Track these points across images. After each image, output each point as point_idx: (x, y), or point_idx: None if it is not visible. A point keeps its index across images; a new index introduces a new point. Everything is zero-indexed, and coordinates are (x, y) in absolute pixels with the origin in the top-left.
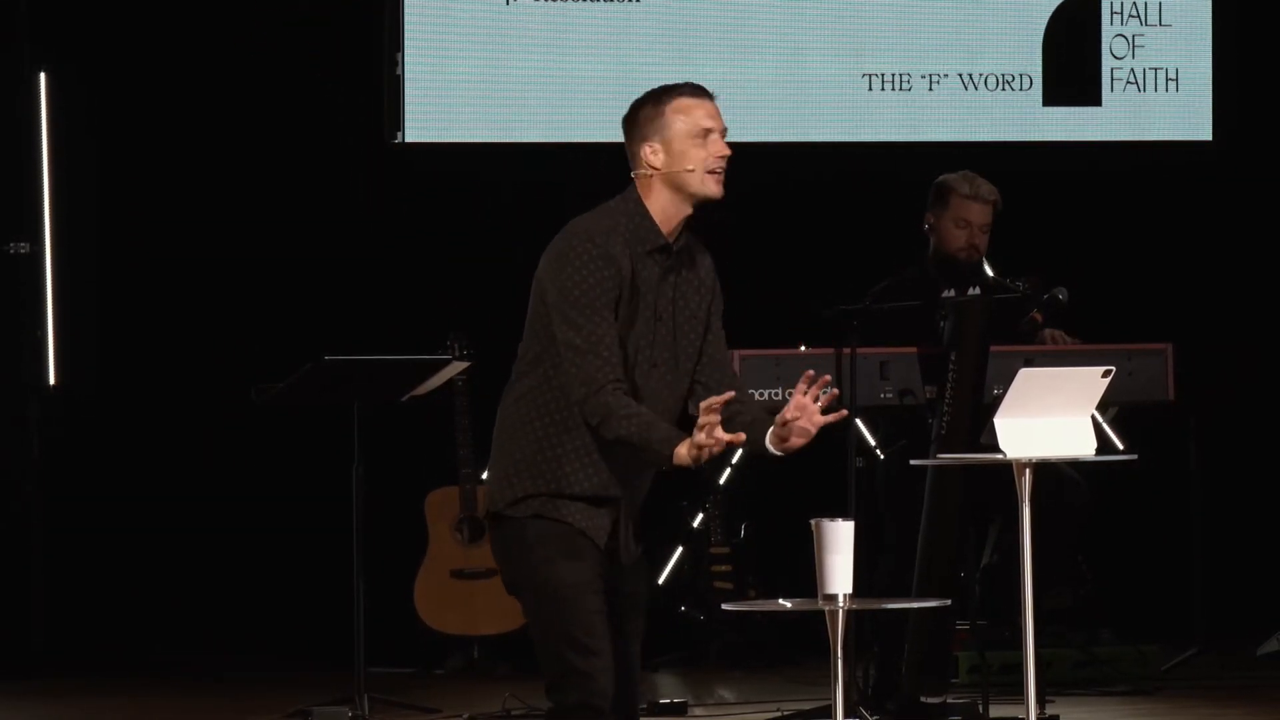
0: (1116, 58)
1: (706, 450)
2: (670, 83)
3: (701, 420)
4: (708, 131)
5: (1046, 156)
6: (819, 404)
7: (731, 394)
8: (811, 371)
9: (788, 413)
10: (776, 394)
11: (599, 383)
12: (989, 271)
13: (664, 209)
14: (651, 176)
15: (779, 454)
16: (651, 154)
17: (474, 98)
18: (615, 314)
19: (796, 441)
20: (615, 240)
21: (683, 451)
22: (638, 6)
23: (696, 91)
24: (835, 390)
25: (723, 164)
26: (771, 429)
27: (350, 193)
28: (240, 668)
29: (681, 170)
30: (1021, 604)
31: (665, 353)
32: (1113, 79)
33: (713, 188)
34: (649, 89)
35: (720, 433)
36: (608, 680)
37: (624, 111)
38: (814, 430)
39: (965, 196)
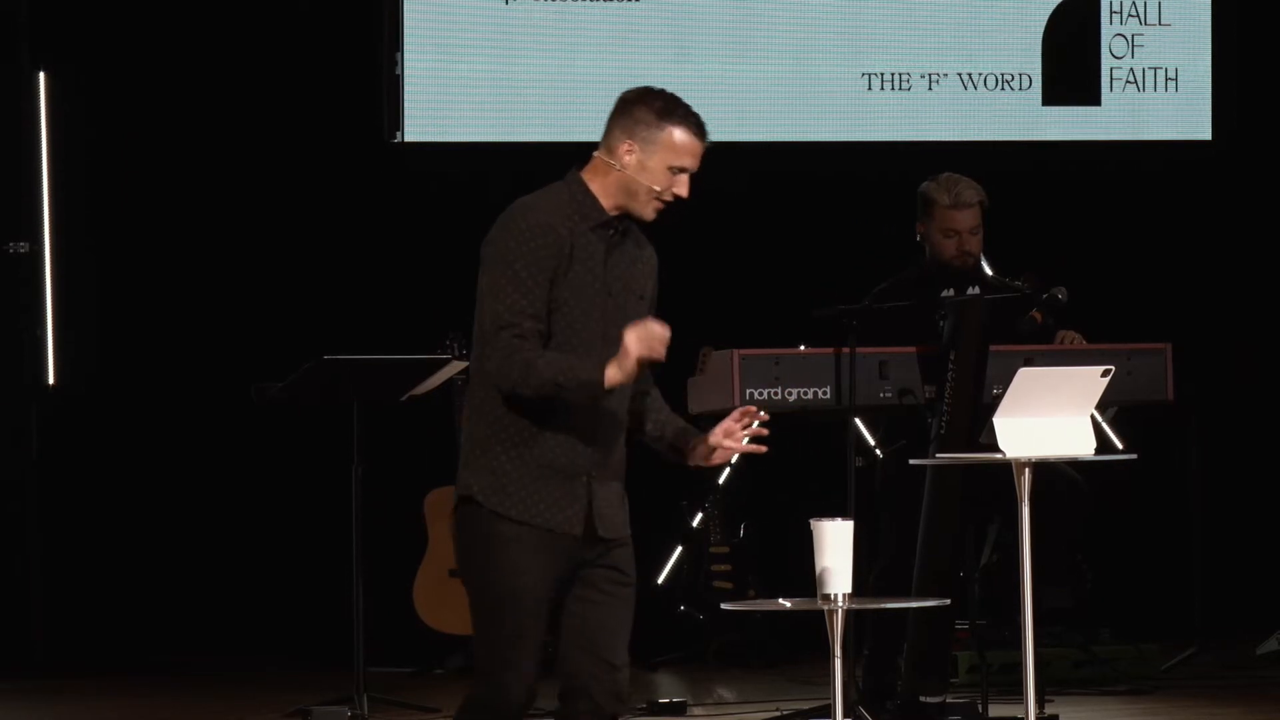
0: (1116, 57)
1: (720, 454)
2: (681, 99)
3: (732, 425)
4: (682, 170)
5: (1046, 156)
6: (746, 432)
7: (753, 408)
8: (752, 408)
9: (716, 437)
10: (775, 394)
11: (514, 348)
12: (988, 271)
13: (610, 196)
14: (610, 169)
15: (691, 463)
16: (626, 153)
17: (474, 97)
18: (549, 285)
19: (715, 461)
20: (554, 213)
21: (613, 372)
22: (638, 6)
23: (698, 131)
24: (764, 430)
25: (672, 200)
26: (699, 444)
27: (350, 192)
28: (240, 667)
29: (644, 185)
30: (1021, 603)
31: (615, 329)
32: (1112, 78)
33: (650, 213)
34: (661, 88)
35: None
36: (531, 685)
37: None
38: (733, 455)
39: (947, 206)
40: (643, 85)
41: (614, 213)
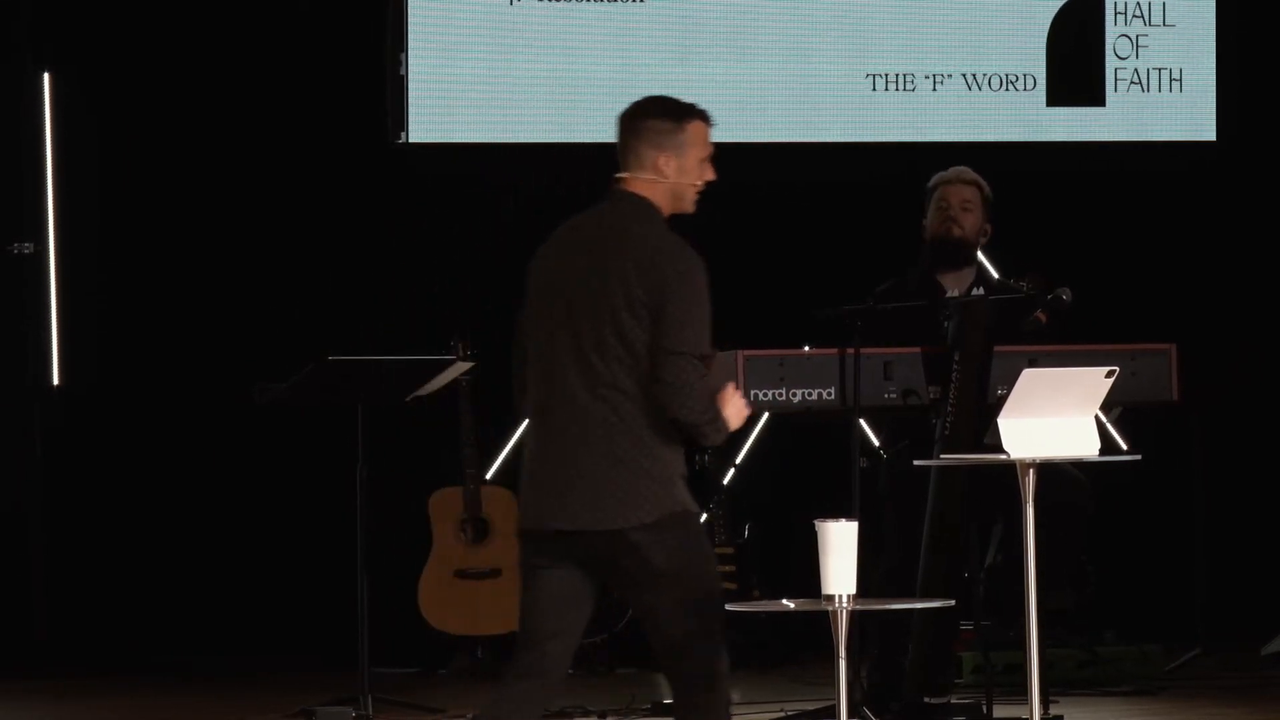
0: (1120, 58)
1: None
2: (680, 99)
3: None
4: (708, 157)
5: (1050, 157)
6: None
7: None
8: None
9: None
10: (780, 394)
11: (709, 388)
12: (993, 272)
13: (665, 210)
14: (656, 184)
15: None
16: (665, 164)
17: (478, 98)
18: None
19: None
20: None
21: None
22: (642, 6)
23: (708, 119)
24: None
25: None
26: None
27: (354, 193)
28: (244, 667)
29: (688, 184)
30: (1025, 604)
31: None
32: (1116, 79)
33: (692, 206)
34: (657, 95)
35: None
36: None
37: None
38: None
39: (943, 182)
40: (633, 102)
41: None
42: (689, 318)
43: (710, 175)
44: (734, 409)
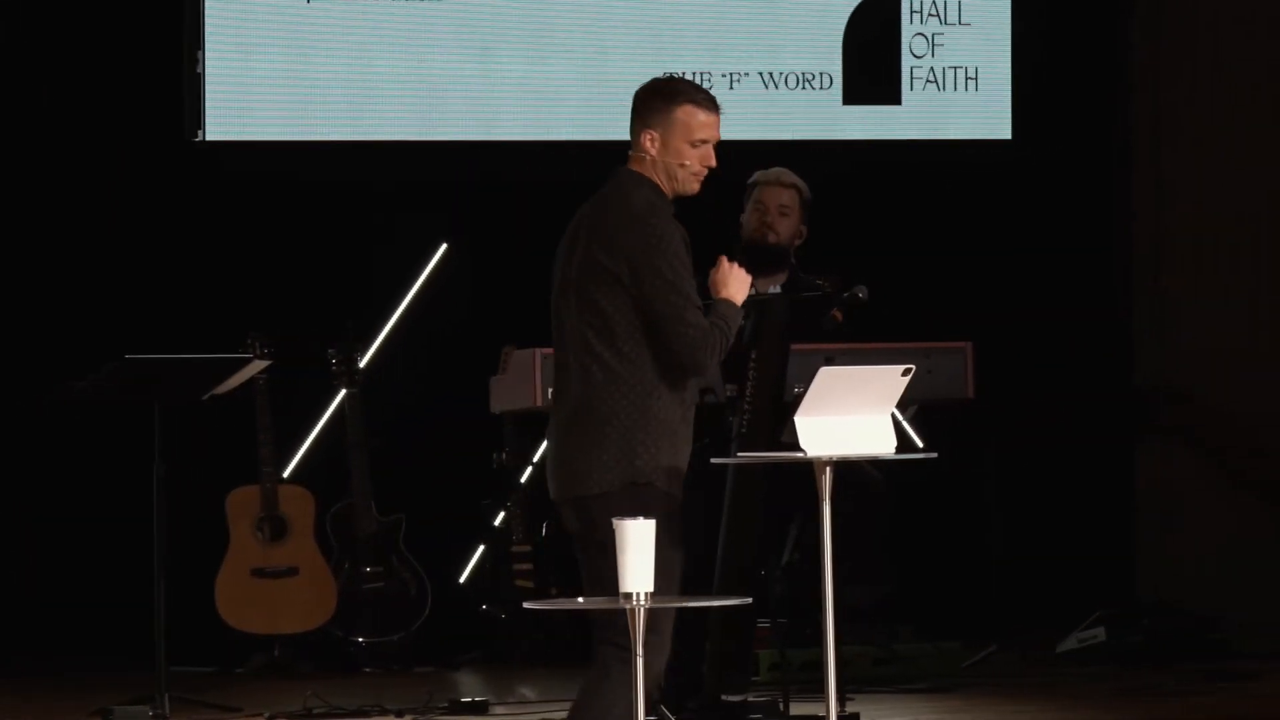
0: (916, 56)
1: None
2: (686, 80)
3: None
4: (703, 141)
5: (846, 155)
6: None
7: None
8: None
9: None
10: None
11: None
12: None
13: (662, 184)
14: (644, 160)
15: None
16: (649, 141)
17: (275, 96)
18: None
19: None
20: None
21: (738, 294)
22: (440, 5)
23: (704, 104)
24: None
25: (705, 172)
26: None
27: (151, 191)
28: (40, 667)
29: (675, 163)
30: (822, 602)
31: None
32: (912, 78)
33: (695, 187)
34: (668, 76)
35: None
36: None
37: (424, 111)
38: None
39: (762, 183)
40: (650, 79)
41: (672, 198)
42: (665, 280)
43: (710, 161)
44: (736, 284)
